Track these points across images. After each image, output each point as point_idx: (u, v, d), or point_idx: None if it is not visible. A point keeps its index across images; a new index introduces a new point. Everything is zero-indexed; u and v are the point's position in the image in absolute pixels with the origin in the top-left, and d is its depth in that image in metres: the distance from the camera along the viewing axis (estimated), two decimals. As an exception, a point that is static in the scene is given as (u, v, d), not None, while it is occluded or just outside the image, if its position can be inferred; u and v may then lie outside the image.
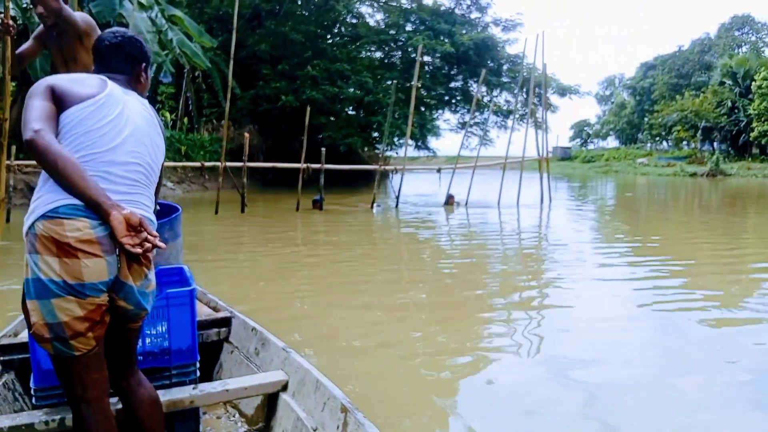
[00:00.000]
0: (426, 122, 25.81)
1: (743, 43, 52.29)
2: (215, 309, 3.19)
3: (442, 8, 27.62)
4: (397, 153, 28.22)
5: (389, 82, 24.17)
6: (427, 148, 28.20)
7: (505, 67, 26.76)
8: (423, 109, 25.86)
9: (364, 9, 29.17)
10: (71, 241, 1.59)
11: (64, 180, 1.59)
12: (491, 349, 3.97)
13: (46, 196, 1.62)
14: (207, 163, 14.47)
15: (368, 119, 24.59)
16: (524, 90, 27.97)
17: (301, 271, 6.69)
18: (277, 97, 22.78)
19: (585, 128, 68.38)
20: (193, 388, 2.35)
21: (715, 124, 43.75)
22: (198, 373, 2.47)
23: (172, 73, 20.37)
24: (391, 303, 5.23)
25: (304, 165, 13.56)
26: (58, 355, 1.68)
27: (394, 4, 28.13)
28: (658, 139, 52.82)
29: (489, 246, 9.13)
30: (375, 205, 13.77)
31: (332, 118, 23.92)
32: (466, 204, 14.92)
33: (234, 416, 2.72)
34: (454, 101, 28.00)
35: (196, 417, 2.44)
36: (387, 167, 14.91)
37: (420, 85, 26.18)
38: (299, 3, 26.18)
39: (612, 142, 64.64)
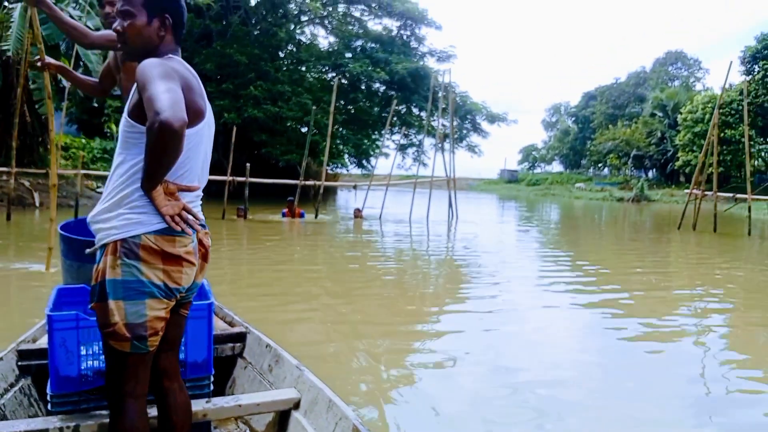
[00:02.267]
0: (362, 143, 27.51)
1: (675, 78, 55.92)
2: (231, 324, 3.19)
3: (385, 35, 29.56)
4: (334, 170, 29.77)
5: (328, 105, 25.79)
6: (363, 167, 29.90)
7: (440, 95, 28.70)
8: (356, 129, 27.54)
9: (319, 31, 30.92)
10: (181, 253, 1.76)
11: (160, 172, 1.67)
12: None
13: (153, 215, 1.72)
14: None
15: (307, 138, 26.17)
16: (457, 116, 30.02)
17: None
18: (220, 114, 24.17)
19: (533, 152, 71.37)
20: (207, 402, 2.34)
21: (645, 152, 46.82)
22: (212, 387, 2.48)
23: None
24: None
25: (230, 178, 15.02)
26: (129, 354, 1.76)
27: (344, 29, 29.92)
28: (600, 165, 55.84)
29: (388, 251, 10.73)
30: (301, 214, 15.24)
31: (274, 136, 25.40)
32: (380, 217, 16.54)
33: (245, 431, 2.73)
34: (392, 124, 29.81)
35: (208, 431, 2.46)
36: (307, 182, 16.44)
37: (354, 109, 27.92)
38: (247, 26, 27.70)
39: (557, 167, 67.70)
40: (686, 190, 17.21)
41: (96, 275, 1.76)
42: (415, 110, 29.70)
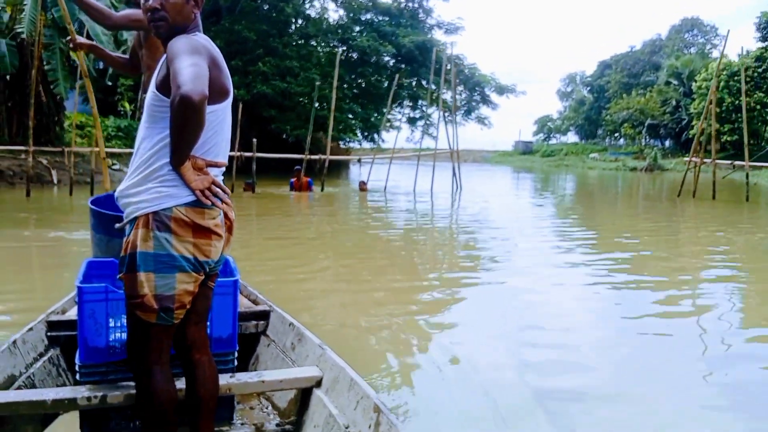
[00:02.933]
0: (371, 116, 27.80)
1: (691, 45, 54.94)
2: (255, 302, 3.23)
3: (394, 7, 29.59)
4: (347, 144, 30.12)
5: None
6: (373, 141, 30.21)
7: (445, 68, 28.79)
8: (365, 103, 27.79)
9: (328, 4, 30.92)
10: (210, 226, 1.79)
11: (185, 146, 1.69)
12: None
13: (183, 188, 1.75)
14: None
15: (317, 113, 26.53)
16: (466, 88, 30.09)
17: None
18: (230, 91, 24.59)
19: (548, 123, 70.86)
20: (231, 377, 2.38)
21: (660, 121, 46.36)
22: (236, 363, 2.51)
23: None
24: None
25: (238, 153, 15.56)
26: (153, 325, 1.80)
27: (352, 2, 29.96)
28: (616, 135, 55.42)
29: (392, 219, 11.21)
30: (309, 183, 15.74)
31: (283, 112, 25.81)
32: (384, 189, 17.00)
33: (267, 408, 2.74)
34: (401, 98, 30.01)
35: (231, 405, 2.50)
36: (312, 156, 16.90)
37: (363, 83, 28.12)
38: (256, 2, 27.93)
39: (572, 137, 67.24)
40: (691, 158, 17.32)
41: (126, 247, 1.79)
42: (424, 83, 29.83)
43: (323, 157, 16.79)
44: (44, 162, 16.69)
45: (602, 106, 57.73)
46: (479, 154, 61.16)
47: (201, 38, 1.80)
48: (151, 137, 1.77)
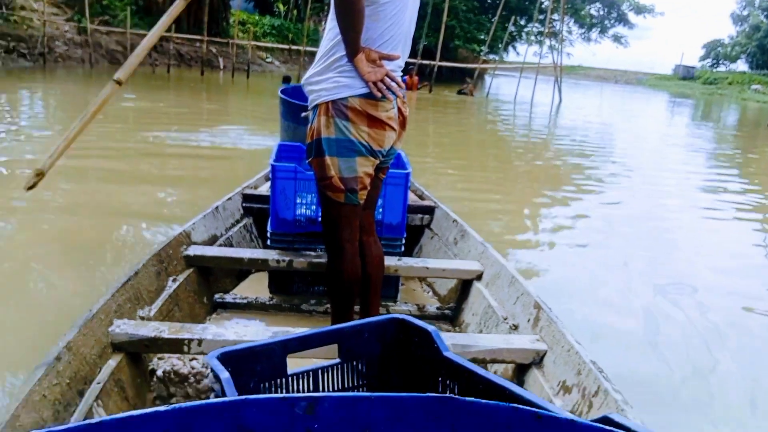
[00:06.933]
0: (515, 31, 28.79)
1: None
2: (421, 197, 3.37)
3: None
4: (486, 55, 31.47)
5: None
6: (497, 53, 31.27)
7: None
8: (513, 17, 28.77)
9: None
10: (383, 118, 1.86)
11: (348, 35, 1.76)
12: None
13: (358, 79, 1.81)
14: (308, 48, 19.85)
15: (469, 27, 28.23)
16: (603, 5, 29.75)
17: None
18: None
19: (717, 48, 64.84)
20: (398, 260, 2.54)
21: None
22: (403, 249, 2.65)
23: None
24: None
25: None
26: (343, 204, 1.93)
27: None
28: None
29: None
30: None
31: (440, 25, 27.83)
32: (486, 95, 19.11)
33: (428, 293, 2.91)
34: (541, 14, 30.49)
35: (396, 286, 2.68)
36: (424, 61, 19.32)
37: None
38: None
39: (742, 66, 61.31)
40: None
41: (311, 133, 1.90)
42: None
43: (433, 63, 19.18)
44: (213, 50, 20.71)
45: (780, 34, 51.91)
46: (633, 75, 58.29)
47: None
48: (333, 29, 1.83)
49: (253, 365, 1.05)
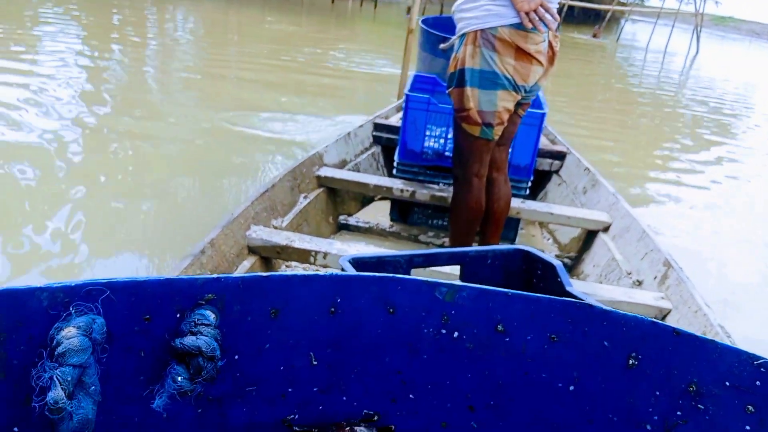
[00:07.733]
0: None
1: None
2: (552, 142, 3.27)
3: None
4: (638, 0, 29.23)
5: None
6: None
7: None
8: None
9: None
10: (531, 51, 1.81)
11: None
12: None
13: (511, 9, 1.77)
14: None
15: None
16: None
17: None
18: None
19: None
20: (522, 202, 2.48)
21: None
22: (528, 192, 2.61)
23: None
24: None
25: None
26: (476, 138, 1.91)
27: None
28: None
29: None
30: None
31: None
32: (617, 40, 17.91)
33: (548, 239, 2.83)
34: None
35: (516, 228, 2.64)
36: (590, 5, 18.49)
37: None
38: None
39: None
40: None
41: (455, 63, 1.89)
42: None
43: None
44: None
45: None
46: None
47: None
48: None
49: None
